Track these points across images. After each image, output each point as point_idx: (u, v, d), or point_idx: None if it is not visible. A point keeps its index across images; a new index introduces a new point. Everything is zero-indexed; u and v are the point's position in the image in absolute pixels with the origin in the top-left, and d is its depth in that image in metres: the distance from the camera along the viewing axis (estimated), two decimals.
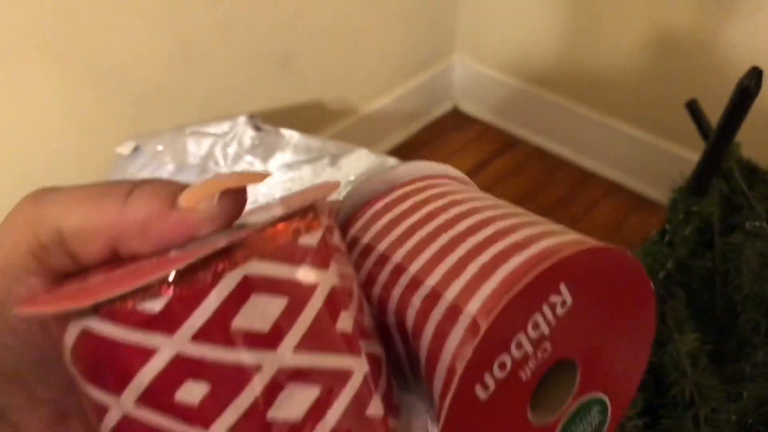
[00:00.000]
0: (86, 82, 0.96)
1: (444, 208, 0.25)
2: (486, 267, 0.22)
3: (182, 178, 0.93)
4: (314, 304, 0.20)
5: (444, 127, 1.56)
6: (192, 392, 0.18)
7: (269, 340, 0.19)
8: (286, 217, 0.20)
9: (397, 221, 0.26)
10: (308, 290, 0.20)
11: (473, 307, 0.21)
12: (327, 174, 0.87)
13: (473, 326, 0.21)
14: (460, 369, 0.20)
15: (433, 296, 0.22)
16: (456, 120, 1.58)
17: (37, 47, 0.89)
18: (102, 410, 0.20)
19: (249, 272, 0.19)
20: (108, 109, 1.00)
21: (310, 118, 1.29)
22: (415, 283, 0.23)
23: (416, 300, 0.23)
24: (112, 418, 0.20)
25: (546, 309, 0.22)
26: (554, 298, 0.22)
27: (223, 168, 0.90)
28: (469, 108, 1.59)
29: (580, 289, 0.22)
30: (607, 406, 0.26)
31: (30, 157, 0.95)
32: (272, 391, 0.19)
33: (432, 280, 0.23)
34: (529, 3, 1.37)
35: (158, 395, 0.19)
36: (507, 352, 0.21)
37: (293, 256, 0.20)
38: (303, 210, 0.20)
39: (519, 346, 0.21)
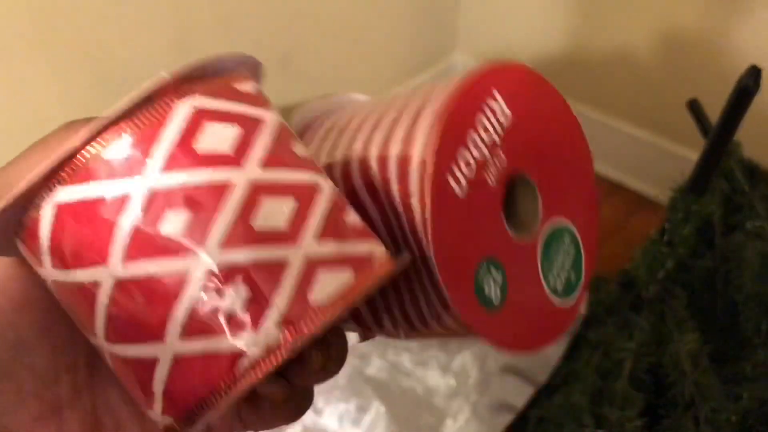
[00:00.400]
0: (85, 80, 0.96)
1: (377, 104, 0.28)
2: (426, 95, 0.25)
3: None
4: (266, 132, 0.21)
5: None
6: (175, 221, 0.19)
7: (234, 159, 0.20)
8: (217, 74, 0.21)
9: (341, 121, 0.29)
10: (257, 122, 0.21)
11: (428, 112, 0.24)
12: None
13: (432, 123, 0.23)
14: (430, 158, 0.23)
15: (387, 138, 0.25)
16: None
17: (34, 43, 0.89)
18: (92, 291, 0.20)
19: (196, 104, 0.20)
20: (106, 107, 1.00)
21: None
22: (365, 145, 0.25)
23: (375, 146, 0.25)
24: (104, 293, 0.19)
25: (488, 112, 0.25)
26: (492, 103, 0.25)
27: None
28: None
29: (513, 99, 0.26)
30: (576, 236, 0.29)
31: None
32: (250, 203, 0.19)
33: (383, 127, 0.25)
34: (531, 2, 1.37)
35: (143, 240, 0.19)
36: (465, 146, 0.24)
37: (233, 95, 0.21)
38: (234, 68, 0.22)
39: (475, 145, 0.24)
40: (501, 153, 0.25)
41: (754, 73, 0.67)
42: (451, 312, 0.24)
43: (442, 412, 0.86)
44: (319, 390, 0.86)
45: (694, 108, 0.80)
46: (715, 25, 1.14)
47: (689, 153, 1.19)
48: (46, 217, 0.20)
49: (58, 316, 0.22)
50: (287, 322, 0.19)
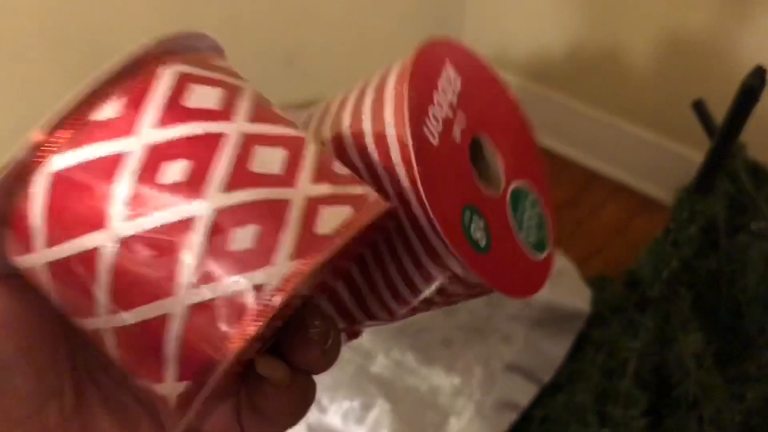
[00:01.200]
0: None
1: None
2: (384, 73, 0.27)
3: None
4: (248, 96, 0.22)
5: None
6: (175, 171, 0.19)
7: (224, 114, 0.20)
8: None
9: (312, 116, 0.30)
10: (236, 87, 0.22)
11: (391, 81, 0.26)
12: None
13: (399, 89, 0.25)
14: (406, 117, 0.24)
15: (356, 111, 0.26)
16: None
17: (42, 43, 0.90)
18: (94, 258, 0.19)
19: (180, 70, 0.21)
20: None
21: None
22: (338, 115, 0.27)
23: (345, 123, 0.26)
24: (108, 255, 0.19)
25: (444, 78, 0.28)
26: (446, 71, 0.28)
27: None
28: None
29: (460, 67, 0.29)
30: (537, 199, 0.32)
31: None
32: (245, 152, 0.20)
33: (349, 105, 0.27)
34: (536, 3, 1.37)
35: (143, 195, 0.19)
36: (432, 104, 0.26)
37: (212, 67, 0.22)
38: (206, 49, 0.23)
39: (440, 105, 0.27)
40: (461, 114, 0.28)
41: (760, 73, 0.68)
42: (444, 263, 0.25)
43: (446, 410, 0.86)
44: (324, 388, 0.86)
45: (700, 108, 0.80)
46: (721, 26, 1.14)
47: (694, 154, 1.19)
48: (38, 190, 0.19)
49: (41, 337, 0.21)
50: (298, 253, 0.19)
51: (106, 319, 0.20)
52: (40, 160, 0.19)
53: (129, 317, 0.20)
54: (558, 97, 1.43)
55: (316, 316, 0.22)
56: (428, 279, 0.26)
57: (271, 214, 0.20)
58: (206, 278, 0.19)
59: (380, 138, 0.25)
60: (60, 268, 0.20)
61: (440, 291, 0.26)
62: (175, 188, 0.19)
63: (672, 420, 0.77)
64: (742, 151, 0.84)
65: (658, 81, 1.26)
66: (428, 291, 0.26)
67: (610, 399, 0.76)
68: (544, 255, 0.30)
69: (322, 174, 0.21)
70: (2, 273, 0.21)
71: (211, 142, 0.20)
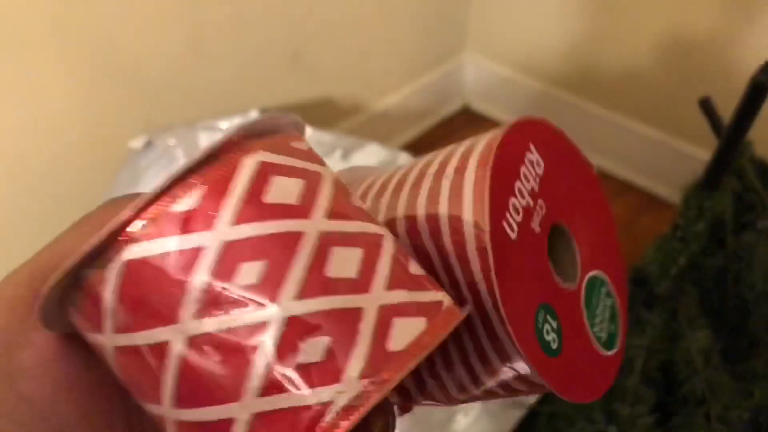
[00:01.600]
0: (99, 78, 0.97)
1: (407, 167, 0.29)
2: (464, 154, 0.26)
3: None
4: (327, 185, 0.21)
5: (455, 125, 1.56)
6: (250, 273, 0.19)
7: (302, 210, 0.20)
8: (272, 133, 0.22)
9: (375, 185, 0.29)
10: (317, 175, 0.21)
11: (473, 163, 0.25)
12: (338, 168, 0.87)
13: (480, 173, 0.24)
14: (486, 203, 0.23)
15: (433, 193, 0.25)
16: (467, 118, 1.58)
17: (51, 42, 0.90)
18: (162, 353, 0.19)
19: (261, 159, 0.20)
20: (121, 104, 1.01)
21: (320, 114, 1.30)
22: (414, 194, 0.26)
23: (420, 205, 0.25)
24: (175, 352, 0.19)
25: (527, 164, 0.26)
26: (530, 155, 0.27)
27: None
28: (481, 106, 1.59)
29: (545, 151, 0.27)
30: (610, 288, 0.30)
31: (44, 151, 0.96)
32: (322, 253, 0.20)
33: (426, 185, 0.26)
34: (542, 2, 1.37)
35: (217, 293, 0.19)
36: (513, 195, 0.25)
37: (292, 152, 0.21)
38: (287, 127, 0.22)
39: (521, 193, 0.25)
40: (541, 201, 0.27)
41: None
42: (511, 361, 0.24)
43: (453, 407, 0.86)
44: None
45: (706, 106, 0.80)
46: (727, 25, 1.14)
47: (700, 152, 1.19)
48: (111, 277, 0.19)
49: (100, 399, 0.21)
50: (369, 372, 0.19)
51: (168, 410, 0.20)
52: (118, 245, 0.19)
53: (192, 415, 0.19)
54: (564, 96, 1.43)
55: (381, 414, 0.22)
56: (493, 374, 0.25)
57: (343, 325, 0.19)
58: (273, 387, 0.19)
59: (457, 227, 0.24)
60: (127, 354, 0.20)
61: (504, 386, 0.26)
62: (249, 289, 0.19)
63: (679, 417, 0.77)
64: (749, 148, 0.84)
65: (663, 79, 1.26)
66: (491, 384, 0.26)
67: (617, 396, 0.76)
68: (614, 351, 0.29)
69: (397, 277, 0.21)
70: (66, 332, 0.21)
71: (289, 242, 0.19)
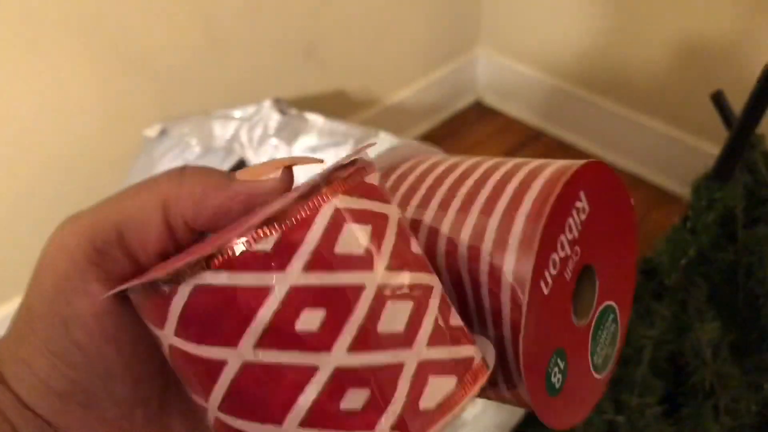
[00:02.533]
0: (116, 68, 0.98)
1: (453, 167, 0.29)
2: (517, 192, 0.25)
3: (208, 161, 0.94)
4: (391, 230, 0.22)
5: (467, 119, 1.56)
6: (310, 320, 0.20)
7: (366, 262, 0.21)
8: (349, 164, 0.22)
9: (421, 179, 0.29)
10: (383, 218, 0.22)
11: (524, 209, 0.25)
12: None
13: (530, 228, 0.24)
14: (529, 270, 0.24)
15: (479, 227, 0.25)
16: (479, 112, 1.58)
17: (68, 32, 0.91)
18: (217, 369, 0.20)
19: (338, 205, 0.21)
20: (136, 94, 1.02)
21: (333, 106, 1.30)
22: (460, 220, 0.26)
23: (464, 232, 0.26)
24: (229, 372, 0.20)
25: (574, 213, 0.26)
26: (578, 204, 0.26)
27: (249, 150, 0.91)
28: (493, 100, 1.59)
29: (592, 197, 0.27)
30: (617, 314, 0.30)
31: (61, 139, 0.97)
32: (377, 307, 0.21)
33: (473, 215, 0.26)
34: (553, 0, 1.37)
35: (278, 331, 0.20)
36: (555, 250, 0.25)
37: (365, 191, 0.22)
38: (362, 157, 0.23)
39: (562, 246, 0.25)
40: (578, 248, 0.27)
41: None
42: (516, 392, 0.25)
43: None
44: None
45: (718, 99, 0.79)
46: (740, 24, 1.13)
47: (711, 148, 1.19)
48: (182, 292, 0.20)
49: (143, 352, 0.23)
50: (400, 426, 0.20)
51: (211, 409, 0.21)
52: (198, 268, 0.20)
53: (234, 422, 0.21)
54: (575, 91, 1.43)
55: None
56: (494, 389, 0.26)
57: (385, 380, 0.20)
58: (314, 423, 0.20)
59: (496, 273, 0.25)
60: (182, 356, 0.21)
61: (499, 397, 0.27)
62: (306, 335, 0.20)
63: (687, 409, 0.77)
64: (761, 142, 0.84)
65: (676, 75, 1.26)
66: (494, 396, 0.27)
67: (625, 387, 0.76)
68: (603, 375, 0.29)
69: (438, 332, 0.22)
70: (120, 294, 0.22)
71: (350, 294, 0.20)
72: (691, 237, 0.74)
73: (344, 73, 1.31)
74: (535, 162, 0.27)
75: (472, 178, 0.27)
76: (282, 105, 0.95)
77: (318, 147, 0.88)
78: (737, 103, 0.75)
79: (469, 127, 1.54)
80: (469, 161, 0.29)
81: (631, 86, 1.34)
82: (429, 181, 0.28)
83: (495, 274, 0.25)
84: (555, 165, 0.27)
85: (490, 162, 0.28)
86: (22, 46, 0.88)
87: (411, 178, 0.29)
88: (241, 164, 0.93)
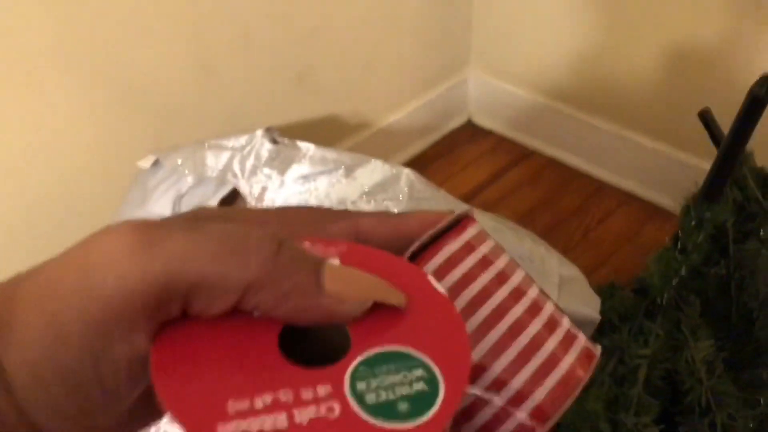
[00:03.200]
0: (109, 99, 0.99)
1: (497, 284, 0.26)
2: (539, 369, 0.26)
3: (201, 190, 0.95)
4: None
5: (458, 139, 1.57)
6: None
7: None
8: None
9: (469, 280, 0.26)
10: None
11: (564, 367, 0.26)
12: (342, 185, 0.88)
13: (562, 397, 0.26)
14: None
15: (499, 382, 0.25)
16: (470, 133, 1.60)
17: (60, 64, 0.92)
18: None
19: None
20: (130, 125, 1.02)
21: (326, 131, 1.31)
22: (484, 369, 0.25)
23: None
24: None
25: None
26: None
27: (242, 180, 0.91)
28: (484, 121, 1.60)
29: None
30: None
31: (54, 171, 0.97)
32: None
33: (497, 368, 0.25)
34: (543, 17, 1.38)
35: None
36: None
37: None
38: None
39: None
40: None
41: (766, 82, 0.68)
42: None
43: None
44: None
45: (706, 118, 0.80)
46: (726, 38, 1.15)
47: (702, 163, 1.19)
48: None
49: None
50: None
51: None
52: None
53: None
54: (566, 110, 1.44)
55: None
56: None
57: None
58: None
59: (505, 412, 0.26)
60: None
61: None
62: None
63: (684, 427, 0.77)
64: (749, 158, 0.85)
65: (664, 92, 1.27)
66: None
67: (621, 406, 0.77)
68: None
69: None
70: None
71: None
72: (682, 257, 0.75)
73: (336, 98, 1.32)
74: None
75: (516, 311, 0.27)
76: (274, 133, 0.96)
77: (310, 175, 0.89)
78: (727, 116, 0.75)
79: (461, 148, 1.55)
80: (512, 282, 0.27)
81: (620, 103, 1.35)
82: (480, 284, 0.26)
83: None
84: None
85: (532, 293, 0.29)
86: (15, 79, 0.89)
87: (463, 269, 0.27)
88: (234, 194, 0.93)
